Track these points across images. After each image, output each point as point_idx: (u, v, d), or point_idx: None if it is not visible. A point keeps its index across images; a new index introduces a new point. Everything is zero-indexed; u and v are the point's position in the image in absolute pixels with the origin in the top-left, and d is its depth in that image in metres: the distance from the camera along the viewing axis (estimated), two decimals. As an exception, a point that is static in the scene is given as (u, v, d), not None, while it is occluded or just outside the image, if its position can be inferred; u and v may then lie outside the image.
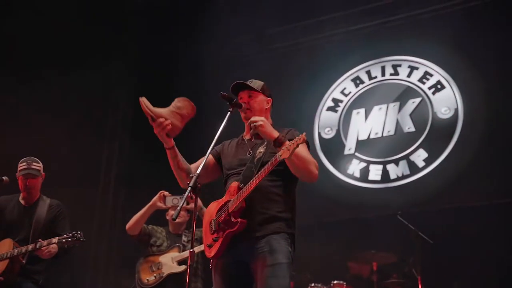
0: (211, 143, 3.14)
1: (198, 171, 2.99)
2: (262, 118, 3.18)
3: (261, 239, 3.06)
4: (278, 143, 3.02)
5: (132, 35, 8.57)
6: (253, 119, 3.15)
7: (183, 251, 4.87)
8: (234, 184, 3.19)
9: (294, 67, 8.55)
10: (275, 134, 3.08)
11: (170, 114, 3.10)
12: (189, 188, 2.91)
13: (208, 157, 3.18)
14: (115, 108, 8.57)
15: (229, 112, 3.28)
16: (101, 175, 8.30)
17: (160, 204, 4.72)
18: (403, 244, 6.39)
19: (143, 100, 3.06)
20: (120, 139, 8.46)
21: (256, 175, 3.04)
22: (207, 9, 8.09)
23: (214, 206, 3.30)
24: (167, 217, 5.12)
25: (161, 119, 3.06)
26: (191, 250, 2.88)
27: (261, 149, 3.27)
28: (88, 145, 7.38)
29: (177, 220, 4.89)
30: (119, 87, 8.54)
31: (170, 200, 4.65)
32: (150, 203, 4.76)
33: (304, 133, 2.96)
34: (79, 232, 4.38)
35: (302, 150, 3.07)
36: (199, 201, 4.42)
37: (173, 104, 3.18)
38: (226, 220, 3.09)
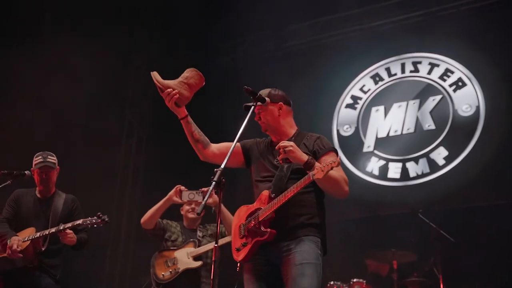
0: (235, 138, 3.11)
1: (222, 166, 2.96)
2: (291, 143, 3.12)
3: (291, 241, 3.11)
4: (308, 167, 3.05)
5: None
6: (282, 144, 3.11)
7: (198, 246, 4.82)
8: (265, 193, 3.22)
9: (313, 64, 8.49)
10: (304, 158, 3.07)
11: (178, 85, 3.22)
12: (213, 183, 2.88)
13: (235, 145, 3.15)
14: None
15: (252, 107, 3.26)
16: (122, 142, 8.41)
17: (176, 199, 4.67)
18: (423, 243, 6.33)
19: (154, 74, 3.22)
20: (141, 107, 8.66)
21: (288, 190, 3.08)
22: (225, 4, 8.08)
23: (243, 210, 3.34)
24: (182, 212, 5.06)
25: (169, 90, 3.18)
26: (216, 245, 2.85)
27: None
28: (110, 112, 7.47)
29: (191, 215, 4.92)
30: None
31: (186, 195, 4.59)
32: (166, 197, 4.71)
33: (339, 158, 2.99)
34: (102, 214, 4.40)
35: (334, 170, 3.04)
36: (216, 197, 4.40)
37: (182, 75, 3.28)
38: (255, 228, 3.14)
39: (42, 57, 6.69)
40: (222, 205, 4.48)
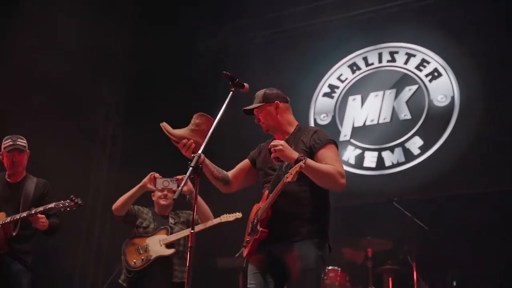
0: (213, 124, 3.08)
1: (200, 151, 2.96)
2: (281, 142, 3.12)
3: (292, 244, 3.12)
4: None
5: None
6: (272, 143, 3.13)
7: (171, 233, 4.77)
8: (266, 193, 3.29)
9: (291, 52, 8.47)
10: (295, 155, 3.06)
11: (191, 134, 3.26)
12: (191, 168, 2.85)
13: (244, 161, 3.42)
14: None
15: (231, 92, 3.25)
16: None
17: (150, 186, 4.61)
18: (398, 231, 6.38)
19: (164, 125, 3.26)
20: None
21: (273, 192, 3.12)
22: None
23: (254, 209, 3.37)
24: (153, 198, 4.97)
25: (184, 141, 3.22)
26: (192, 231, 2.82)
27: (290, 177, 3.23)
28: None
29: (163, 202, 4.86)
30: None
31: (161, 182, 4.54)
32: (140, 184, 4.64)
33: (303, 161, 2.94)
34: (75, 197, 4.31)
35: (318, 165, 3.11)
36: (190, 185, 4.42)
37: (192, 122, 3.31)
38: (254, 227, 3.21)
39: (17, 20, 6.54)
40: (200, 198, 4.55)
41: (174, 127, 3.31)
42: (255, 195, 3.45)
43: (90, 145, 8.19)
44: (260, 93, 3.49)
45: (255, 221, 3.22)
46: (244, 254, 3.30)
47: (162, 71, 8.17)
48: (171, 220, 4.88)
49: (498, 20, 7.21)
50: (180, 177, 4.47)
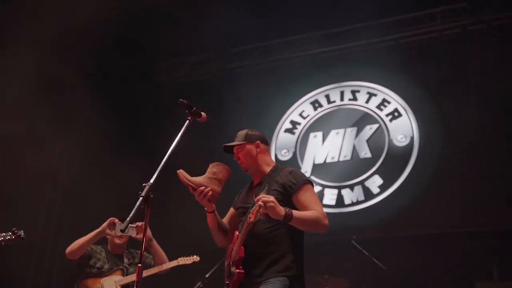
0: (167, 152, 2.97)
1: (152, 180, 2.81)
2: (272, 198, 3.05)
3: (260, 284, 3.14)
4: (287, 219, 3.08)
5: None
6: (264, 199, 3.02)
7: (126, 274, 4.61)
8: (236, 233, 3.35)
9: (254, 87, 8.46)
10: (282, 212, 3.06)
11: (208, 181, 3.32)
12: (141, 198, 2.71)
13: (230, 210, 3.52)
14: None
15: (187, 121, 3.16)
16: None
17: (109, 231, 4.52)
18: (356, 270, 6.31)
19: (181, 172, 3.28)
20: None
21: (241, 233, 3.20)
22: (170, 21, 7.94)
23: (229, 250, 3.41)
24: (107, 236, 4.76)
25: (202, 188, 3.27)
26: (139, 265, 2.66)
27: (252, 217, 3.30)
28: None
29: (117, 241, 4.72)
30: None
31: (119, 228, 4.41)
32: (99, 229, 4.52)
33: (258, 205, 2.97)
34: (18, 229, 4.04)
35: (303, 215, 3.14)
36: (149, 232, 4.49)
37: (208, 170, 3.39)
38: (230, 269, 3.26)
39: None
40: (154, 240, 4.63)
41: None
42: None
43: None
44: (242, 132, 3.58)
45: (231, 263, 3.26)
46: None
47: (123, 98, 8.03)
48: (125, 260, 4.74)
49: (458, 62, 7.38)
50: (139, 223, 4.39)
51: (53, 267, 7.77)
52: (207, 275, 6.38)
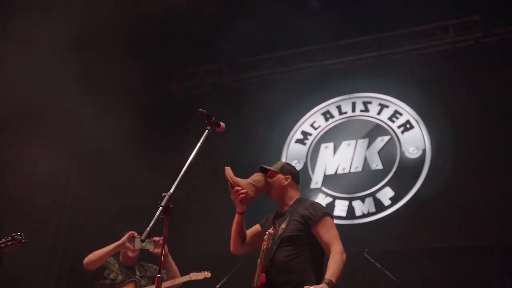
0: (187, 161, 2.97)
1: (171, 190, 2.82)
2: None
3: None
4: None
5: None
6: None
7: (139, 287, 4.68)
8: (258, 261, 3.45)
9: (265, 98, 8.46)
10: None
11: (247, 185, 3.57)
12: (160, 208, 2.72)
13: (255, 226, 3.74)
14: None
15: (206, 131, 3.18)
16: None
17: (129, 245, 4.61)
18: (368, 283, 6.28)
19: (228, 169, 3.56)
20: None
21: (259, 261, 3.36)
22: (177, 31, 7.97)
23: (253, 281, 3.49)
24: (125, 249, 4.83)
25: (239, 188, 3.52)
26: (158, 275, 2.68)
27: (283, 225, 3.51)
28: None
29: (130, 254, 4.78)
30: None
31: (139, 242, 4.55)
32: (119, 242, 4.60)
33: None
34: (19, 233, 4.06)
35: (337, 270, 3.28)
36: (165, 247, 4.41)
37: (252, 177, 3.65)
38: None
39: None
40: (169, 256, 4.74)
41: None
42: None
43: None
44: (281, 162, 3.84)
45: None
46: None
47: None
48: (137, 273, 4.80)
49: (470, 75, 7.35)
50: (157, 238, 4.50)
51: (63, 273, 7.77)
52: (217, 286, 6.38)
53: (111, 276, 4.67)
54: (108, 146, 7.36)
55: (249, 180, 3.62)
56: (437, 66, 7.74)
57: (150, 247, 4.51)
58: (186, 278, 4.78)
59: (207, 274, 4.90)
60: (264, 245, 3.30)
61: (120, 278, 4.67)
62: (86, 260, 4.60)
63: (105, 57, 7.67)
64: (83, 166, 8.27)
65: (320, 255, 3.48)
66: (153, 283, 4.69)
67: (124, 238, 4.59)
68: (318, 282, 3.34)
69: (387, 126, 7.80)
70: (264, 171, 3.74)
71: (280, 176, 3.71)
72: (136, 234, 4.58)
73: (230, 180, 3.54)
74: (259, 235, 3.69)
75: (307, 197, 7.60)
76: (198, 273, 4.87)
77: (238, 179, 3.57)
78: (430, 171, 7.27)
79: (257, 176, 3.65)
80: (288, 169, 3.77)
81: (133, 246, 4.58)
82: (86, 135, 8.37)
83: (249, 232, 3.75)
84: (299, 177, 3.83)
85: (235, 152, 7.34)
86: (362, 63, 8.27)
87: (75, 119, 7.93)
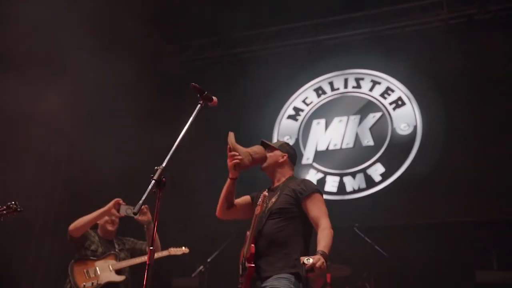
0: (179, 136, 2.96)
1: (164, 164, 2.81)
2: (320, 262, 3.10)
3: (267, 279, 3.32)
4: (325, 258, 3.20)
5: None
6: (318, 265, 3.09)
7: (119, 259, 4.73)
8: (248, 233, 3.50)
9: (257, 72, 8.42)
10: (324, 259, 3.17)
11: (245, 153, 3.61)
12: (153, 182, 2.71)
13: (246, 197, 3.77)
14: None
15: (199, 105, 3.15)
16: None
17: (114, 212, 4.62)
18: (357, 257, 6.35)
19: (231, 135, 3.62)
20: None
21: (251, 229, 3.39)
22: (170, 6, 7.88)
23: (242, 251, 3.57)
24: (99, 222, 4.88)
25: (235, 153, 3.58)
26: (151, 248, 2.68)
27: (273, 199, 3.57)
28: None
29: (110, 228, 4.84)
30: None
31: (124, 209, 4.57)
32: (104, 209, 4.62)
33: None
34: (13, 202, 4.04)
35: (328, 243, 3.29)
36: (149, 215, 4.61)
37: (253, 147, 3.72)
38: (243, 265, 3.43)
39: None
40: (152, 225, 4.47)
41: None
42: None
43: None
44: (282, 141, 3.99)
45: (243, 260, 3.43)
46: None
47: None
48: (116, 246, 4.85)
49: (463, 51, 7.34)
50: (144, 206, 4.41)
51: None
52: (208, 260, 6.44)
53: (92, 247, 4.73)
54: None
55: (248, 149, 3.67)
56: (430, 42, 7.72)
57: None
58: (165, 253, 4.81)
59: (185, 250, 4.94)
60: (258, 210, 3.32)
61: (100, 250, 4.73)
62: (71, 226, 4.63)
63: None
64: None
65: (309, 230, 3.54)
66: (132, 256, 4.81)
67: (110, 204, 4.61)
68: (306, 254, 3.39)
69: (379, 103, 7.80)
70: (264, 145, 3.81)
71: (278, 152, 3.78)
72: (121, 201, 4.59)
73: (230, 145, 3.59)
74: (247, 206, 3.77)
75: (298, 172, 7.70)
76: (177, 249, 4.91)
77: (238, 146, 3.61)
78: (421, 147, 7.31)
79: (256, 148, 3.73)
80: (286, 148, 3.85)
81: (118, 212, 4.58)
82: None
83: (238, 200, 3.79)
84: (296, 159, 3.91)
85: (227, 127, 7.28)
86: (355, 39, 8.23)
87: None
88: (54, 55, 6.79)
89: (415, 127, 7.48)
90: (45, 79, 6.63)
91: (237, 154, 3.58)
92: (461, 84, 7.30)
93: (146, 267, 2.65)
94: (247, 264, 3.36)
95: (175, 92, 8.49)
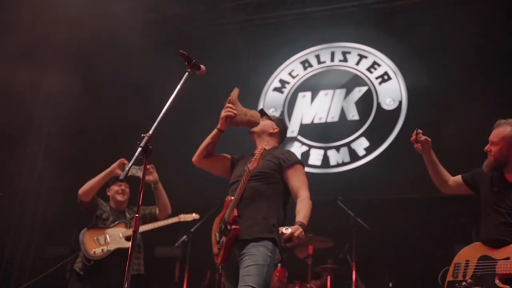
0: (166, 103, 2.93)
1: (150, 131, 2.79)
2: (299, 231, 3.16)
3: (247, 244, 3.37)
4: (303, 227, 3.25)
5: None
6: (296, 234, 3.14)
7: (129, 227, 4.76)
8: (227, 199, 3.59)
9: (243, 44, 8.34)
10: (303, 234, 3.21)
11: (240, 110, 3.70)
12: (139, 149, 2.70)
13: (227, 155, 3.84)
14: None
15: (186, 73, 3.14)
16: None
17: (119, 171, 4.65)
18: (340, 230, 6.41)
19: (235, 91, 3.74)
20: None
21: (239, 188, 3.45)
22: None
23: (216, 220, 3.66)
24: (109, 194, 4.96)
25: (232, 106, 3.65)
26: (137, 215, 2.67)
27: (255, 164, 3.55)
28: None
29: (120, 198, 4.87)
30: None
31: (131, 169, 4.49)
32: (109, 169, 4.66)
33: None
34: None
35: (307, 213, 3.33)
36: (156, 175, 4.66)
37: (252, 110, 3.82)
38: (225, 230, 3.46)
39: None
40: (160, 184, 4.76)
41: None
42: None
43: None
44: (279, 117, 4.14)
45: (222, 226, 3.48)
46: (218, 261, 3.51)
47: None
48: (127, 215, 4.88)
49: (450, 26, 7.31)
50: (149, 165, 4.53)
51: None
52: (192, 230, 6.44)
53: (103, 216, 4.79)
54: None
55: (246, 109, 3.76)
56: (418, 17, 7.68)
57: (140, 173, 4.41)
58: (175, 219, 4.86)
59: (195, 216, 4.96)
60: (253, 164, 3.35)
61: (111, 219, 4.79)
62: (80, 191, 4.68)
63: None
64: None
65: (287, 198, 3.61)
66: (142, 223, 4.80)
67: (114, 165, 4.65)
68: (284, 221, 3.50)
69: (365, 77, 7.80)
70: (262, 113, 3.89)
71: (272, 123, 3.85)
72: (126, 161, 4.59)
73: (231, 98, 3.68)
74: (223, 164, 3.84)
75: (283, 145, 7.69)
76: (187, 215, 4.94)
77: (237, 102, 3.71)
78: (406, 123, 7.33)
79: (253, 112, 3.81)
80: (280, 123, 3.94)
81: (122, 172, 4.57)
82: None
83: (218, 155, 3.84)
84: (285, 138, 4.00)
85: (211, 97, 7.25)
86: (343, 12, 8.14)
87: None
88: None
89: (400, 102, 7.50)
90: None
91: (233, 107, 3.65)
92: (449, 60, 7.29)
93: (132, 234, 2.64)
94: (231, 227, 3.39)
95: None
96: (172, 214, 5.00)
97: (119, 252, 4.59)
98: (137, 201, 2.76)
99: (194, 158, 3.80)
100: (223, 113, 3.67)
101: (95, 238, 4.67)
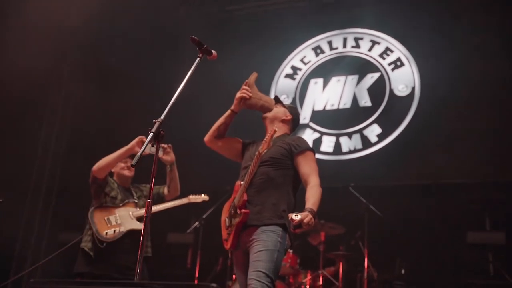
0: (178, 88, 2.93)
1: (162, 117, 2.80)
2: (308, 218, 3.15)
3: (256, 229, 3.36)
4: (314, 215, 3.24)
5: None
6: (306, 221, 3.15)
7: (138, 207, 4.58)
8: (237, 183, 3.62)
9: (254, 30, 8.32)
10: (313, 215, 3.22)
11: (255, 94, 3.74)
12: (151, 134, 2.71)
13: (239, 139, 3.86)
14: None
15: (198, 58, 3.13)
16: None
17: (138, 149, 4.35)
18: (352, 217, 6.40)
19: (254, 74, 3.80)
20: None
21: (249, 172, 3.43)
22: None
23: (226, 206, 3.68)
24: (114, 169, 4.69)
25: (247, 88, 3.70)
26: (148, 200, 2.68)
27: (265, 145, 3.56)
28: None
29: (127, 173, 4.69)
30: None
31: (149, 147, 4.35)
32: (128, 146, 4.38)
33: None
34: None
35: (316, 200, 3.32)
36: (173, 156, 4.52)
37: (266, 96, 3.86)
38: (235, 214, 3.46)
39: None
40: (175, 166, 4.61)
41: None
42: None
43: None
44: (294, 106, 4.14)
45: (232, 211, 3.49)
46: (228, 246, 3.51)
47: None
48: (134, 194, 4.70)
49: (464, 14, 7.23)
50: (165, 145, 4.44)
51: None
52: (204, 216, 6.47)
53: (112, 194, 4.57)
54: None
55: (261, 94, 3.80)
56: (431, 3, 7.60)
57: (159, 152, 4.09)
58: (185, 200, 4.71)
59: (205, 197, 4.84)
60: (263, 147, 3.31)
61: (120, 197, 4.58)
62: (95, 166, 4.43)
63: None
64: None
65: (297, 184, 3.59)
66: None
67: (134, 142, 4.39)
68: (294, 207, 3.49)
69: (378, 63, 7.73)
70: (276, 100, 3.90)
71: (285, 110, 3.86)
72: (145, 138, 4.34)
73: (248, 81, 3.73)
74: (234, 147, 3.85)
75: (296, 133, 7.67)
76: (197, 196, 4.81)
77: (254, 86, 3.75)
78: (418, 109, 7.28)
79: (268, 98, 3.84)
80: (294, 112, 3.95)
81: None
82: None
83: (230, 138, 3.86)
84: (297, 127, 4.00)
85: (223, 83, 7.24)
86: (355, -2, 8.08)
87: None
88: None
89: (413, 88, 7.44)
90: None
91: (249, 89, 3.69)
92: (461, 47, 7.21)
93: (144, 219, 2.65)
94: (241, 211, 3.39)
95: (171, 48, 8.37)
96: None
97: (132, 234, 4.40)
98: (150, 185, 2.76)
99: (206, 138, 3.81)
100: (238, 94, 3.70)
101: (105, 218, 4.46)
